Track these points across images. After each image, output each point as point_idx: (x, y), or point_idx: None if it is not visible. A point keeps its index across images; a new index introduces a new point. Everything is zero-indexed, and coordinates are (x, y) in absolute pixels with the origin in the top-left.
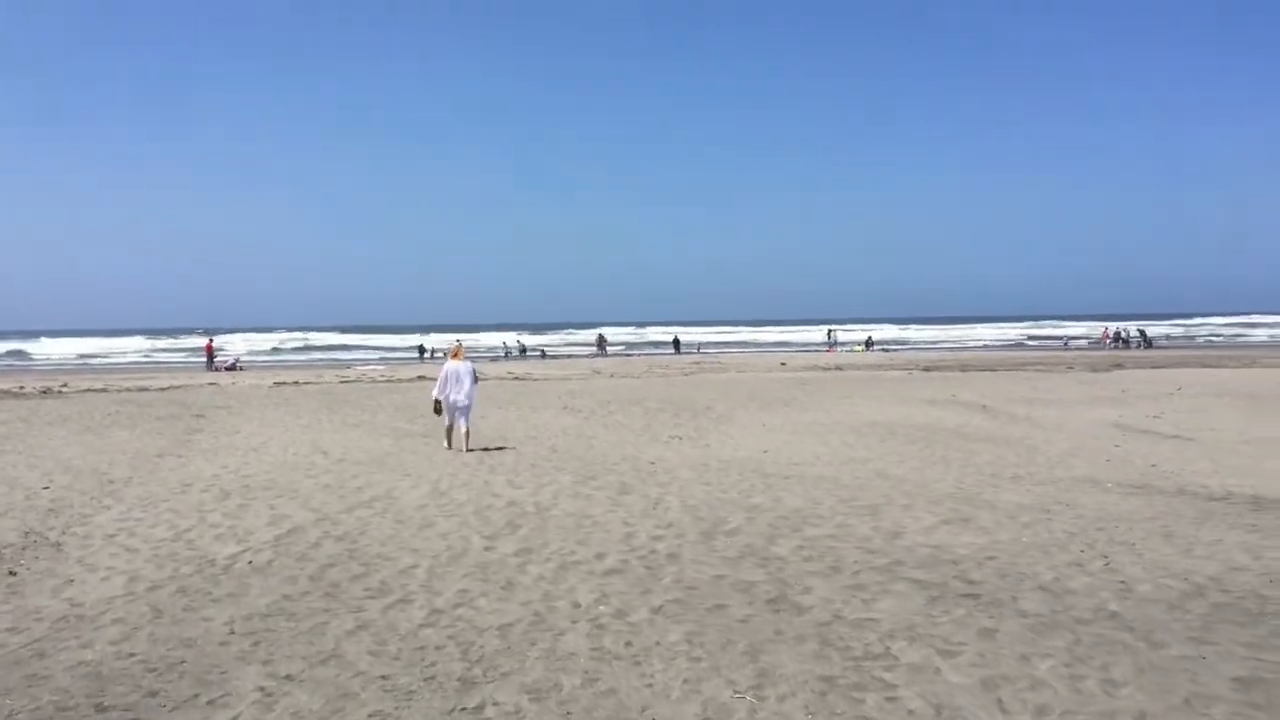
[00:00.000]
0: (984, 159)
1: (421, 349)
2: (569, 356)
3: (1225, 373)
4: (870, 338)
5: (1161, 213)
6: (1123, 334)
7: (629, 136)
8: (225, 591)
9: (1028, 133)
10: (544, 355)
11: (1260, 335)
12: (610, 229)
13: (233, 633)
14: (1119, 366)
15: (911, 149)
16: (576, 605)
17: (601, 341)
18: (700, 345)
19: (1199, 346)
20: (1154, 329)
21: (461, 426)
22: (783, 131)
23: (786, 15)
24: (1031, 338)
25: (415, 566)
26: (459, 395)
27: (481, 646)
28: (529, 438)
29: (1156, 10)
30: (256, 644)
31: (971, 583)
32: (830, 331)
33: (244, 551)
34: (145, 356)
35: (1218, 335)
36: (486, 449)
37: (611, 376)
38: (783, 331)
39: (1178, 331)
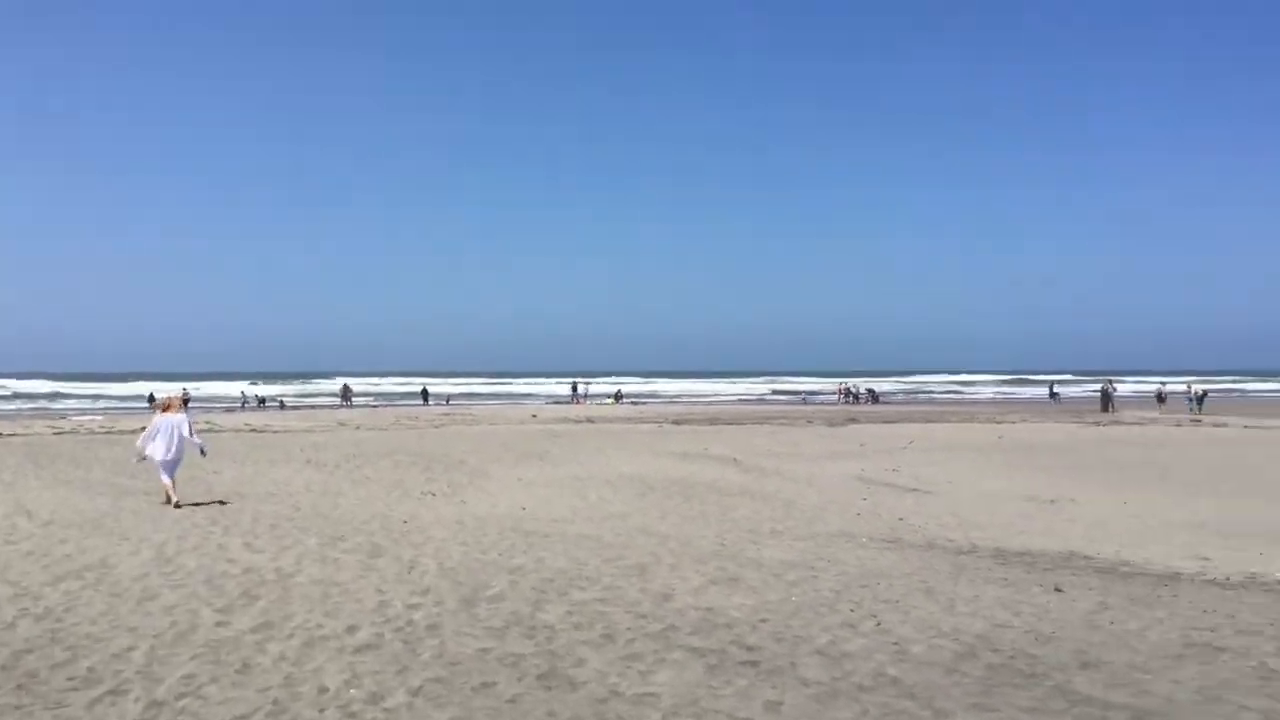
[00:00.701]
0: (714, 211)
1: (152, 397)
2: (311, 407)
3: (949, 427)
4: (620, 391)
5: (882, 274)
6: (853, 390)
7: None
8: None
9: (750, 186)
10: (283, 406)
11: (984, 393)
12: (350, 275)
13: None
14: (854, 421)
15: (648, 202)
16: (324, 690)
17: (346, 392)
18: (449, 396)
19: (921, 403)
20: (880, 385)
21: (168, 481)
22: (527, 184)
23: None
24: (776, 392)
25: (132, 649)
26: (170, 449)
27: None
28: (268, 495)
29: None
30: None
31: (749, 649)
32: (575, 384)
33: None
34: None
35: (936, 392)
36: (217, 503)
37: (358, 428)
38: (529, 384)
39: (900, 388)
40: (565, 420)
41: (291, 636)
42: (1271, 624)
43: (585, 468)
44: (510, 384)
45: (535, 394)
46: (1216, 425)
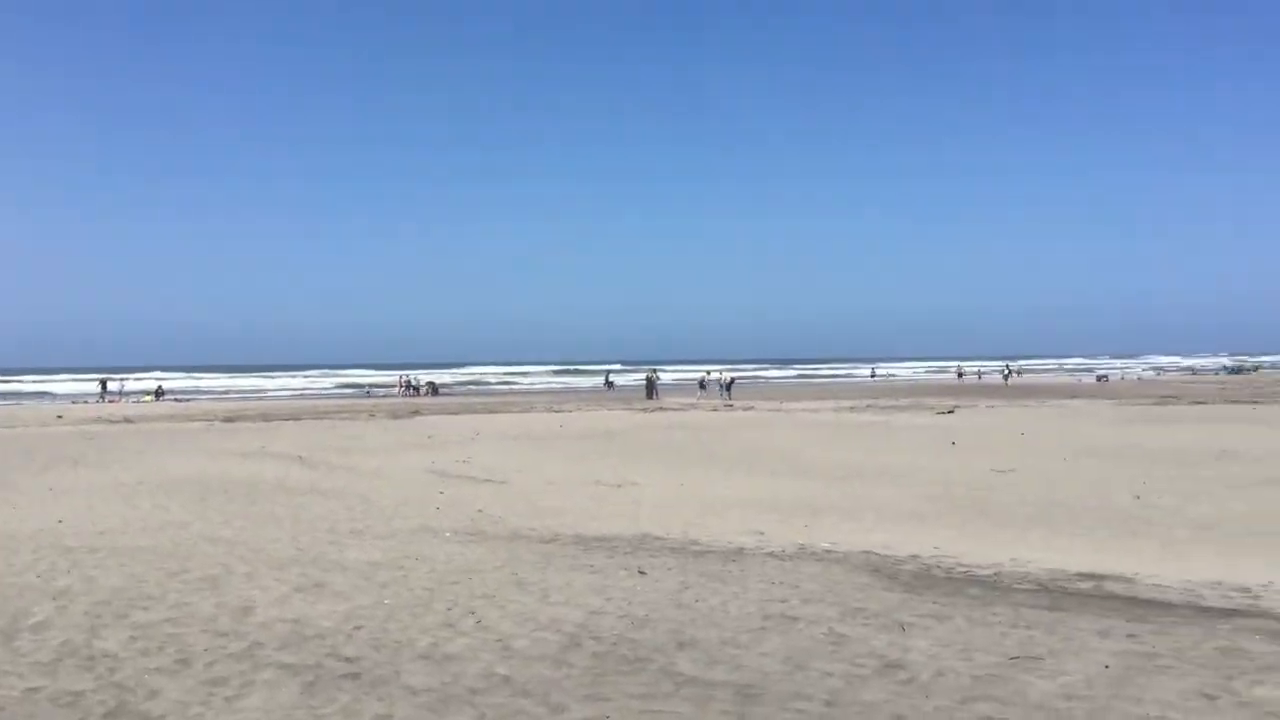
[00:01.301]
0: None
1: None
2: None
3: (511, 417)
4: (160, 387)
5: (442, 267)
6: (413, 382)
7: None
8: None
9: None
10: None
11: (539, 383)
12: None
13: None
14: (418, 413)
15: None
16: None
17: None
18: None
19: (480, 393)
20: (439, 377)
21: None
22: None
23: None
24: (341, 386)
25: None
26: None
27: None
28: None
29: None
30: None
31: (347, 660)
32: (105, 380)
33: None
34: None
35: (492, 383)
36: None
37: None
38: (44, 381)
39: (457, 379)
40: (99, 420)
41: None
42: (830, 591)
43: (131, 472)
44: (19, 382)
45: (53, 393)
46: (746, 409)
